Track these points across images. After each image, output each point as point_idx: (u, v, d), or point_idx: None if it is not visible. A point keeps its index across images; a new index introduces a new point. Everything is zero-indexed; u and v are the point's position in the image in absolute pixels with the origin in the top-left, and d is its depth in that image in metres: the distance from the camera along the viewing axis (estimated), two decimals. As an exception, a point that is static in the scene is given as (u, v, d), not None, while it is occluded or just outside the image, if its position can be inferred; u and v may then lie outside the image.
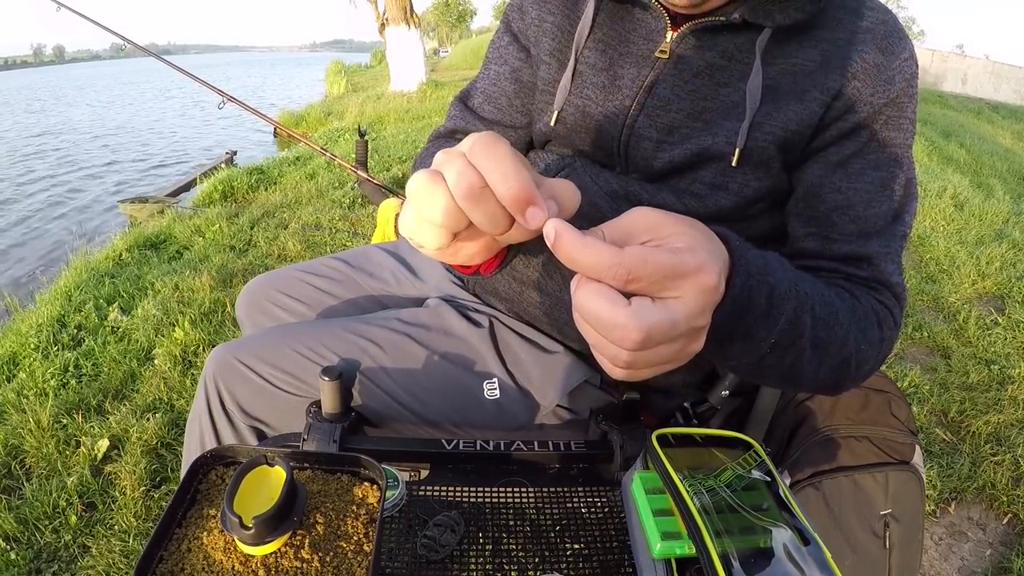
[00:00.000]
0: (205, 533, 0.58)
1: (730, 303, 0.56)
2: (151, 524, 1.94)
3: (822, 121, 0.81)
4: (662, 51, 0.86)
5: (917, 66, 0.84)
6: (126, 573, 1.80)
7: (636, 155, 0.88)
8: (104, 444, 2.27)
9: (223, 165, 7.91)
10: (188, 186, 7.33)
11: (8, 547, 1.88)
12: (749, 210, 0.87)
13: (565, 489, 0.86)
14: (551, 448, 0.91)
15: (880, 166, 0.81)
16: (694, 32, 0.84)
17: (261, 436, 1.01)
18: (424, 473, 0.93)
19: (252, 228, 4.70)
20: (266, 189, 5.95)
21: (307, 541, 0.58)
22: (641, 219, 0.52)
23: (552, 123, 0.94)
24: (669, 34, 0.86)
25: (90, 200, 8.91)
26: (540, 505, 0.84)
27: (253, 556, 0.56)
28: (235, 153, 8.79)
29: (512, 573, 0.75)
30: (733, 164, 0.82)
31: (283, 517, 0.56)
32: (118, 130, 16.34)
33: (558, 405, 1.01)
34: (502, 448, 0.91)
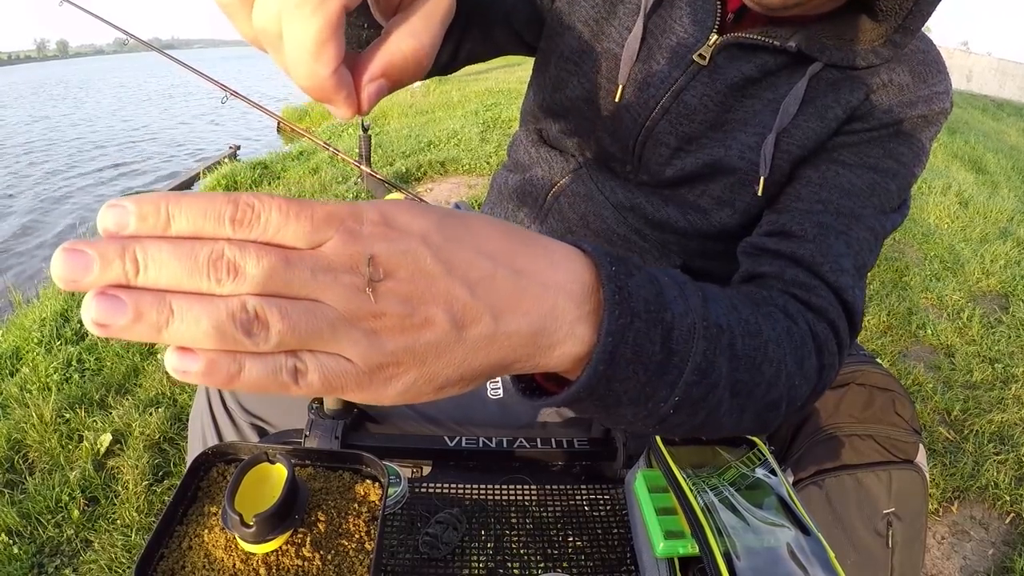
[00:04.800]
0: (206, 531, 0.58)
1: (604, 362, 0.40)
2: (153, 519, 1.95)
3: (834, 133, 0.77)
4: (700, 55, 0.80)
5: (950, 104, 0.78)
6: (128, 567, 1.81)
7: (649, 159, 0.85)
8: (107, 439, 2.27)
9: (226, 160, 7.91)
10: (191, 180, 7.34)
11: (11, 541, 1.89)
12: (752, 228, 0.82)
13: (568, 487, 0.86)
14: (554, 445, 0.91)
15: (878, 170, 0.75)
16: (739, 44, 0.78)
17: (262, 433, 1.01)
18: (426, 470, 0.92)
19: (255, 223, 4.69)
20: (269, 184, 5.96)
21: (308, 539, 0.58)
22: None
23: (616, 99, 0.85)
24: (714, 37, 0.79)
25: (89, 195, 8.92)
26: (543, 502, 0.84)
27: (254, 554, 0.56)
28: (238, 147, 8.80)
29: (514, 570, 0.74)
30: (759, 193, 0.78)
31: (284, 515, 0.56)
32: (122, 125, 16.36)
33: (562, 405, 1.00)
34: (505, 445, 0.90)
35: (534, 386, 0.50)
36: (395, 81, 0.41)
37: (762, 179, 0.78)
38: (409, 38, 0.40)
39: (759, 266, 0.73)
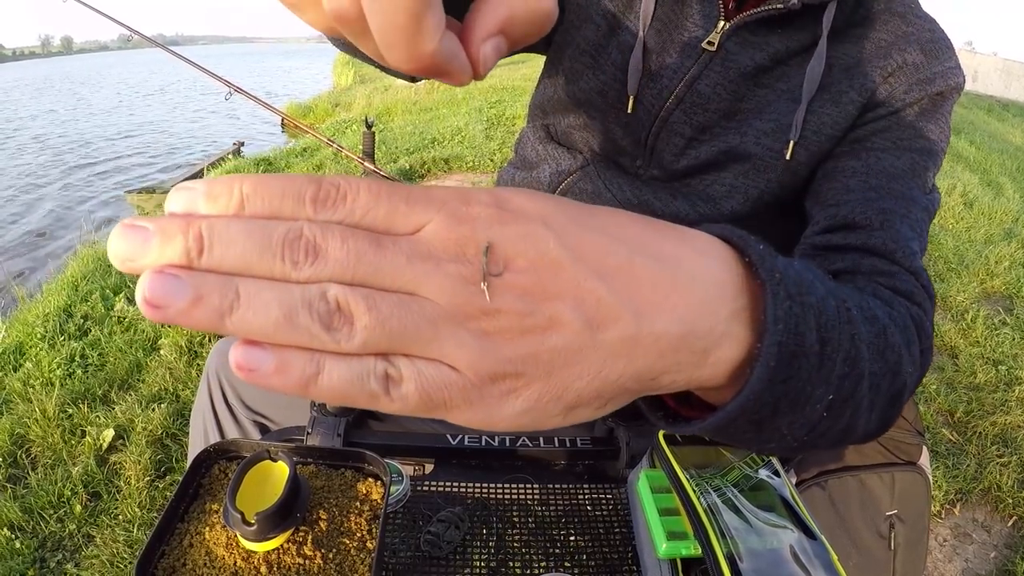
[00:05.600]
0: (207, 528, 0.58)
1: (774, 356, 0.33)
2: (155, 514, 1.95)
3: (856, 121, 0.78)
4: (709, 42, 0.80)
5: (964, 81, 0.78)
6: (130, 562, 1.81)
7: (663, 151, 0.85)
8: (109, 434, 2.27)
9: (230, 156, 7.91)
10: (195, 177, 7.34)
11: (13, 536, 1.89)
12: (765, 215, 0.83)
13: (570, 486, 0.86)
14: (557, 444, 0.91)
15: (913, 150, 0.75)
16: (747, 26, 0.79)
17: (264, 430, 1.01)
18: (429, 468, 0.92)
19: (259, 219, 4.69)
20: (273, 180, 5.95)
21: (310, 537, 0.58)
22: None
23: (629, 109, 0.85)
24: (720, 24, 0.80)
25: (97, 191, 8.93)
26: (545, 501, 0.83)
27: (255, 552, 0.56)
28: (242, 144, 8.80)
29: (516, 569, 0.74)
30: (787, 158, 0.78)
31: (286, 513, 0.56)
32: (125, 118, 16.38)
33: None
34: (507, 444, 0.90)
35: (673, 413, 0.42)
36: (515, 39, 0.33)
37: (791, 143, 0.77)
38: None
39: (829, 265, 0.69)
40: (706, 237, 0.35)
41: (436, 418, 0.28)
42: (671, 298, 0.30)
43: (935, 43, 0.77)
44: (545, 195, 0.30)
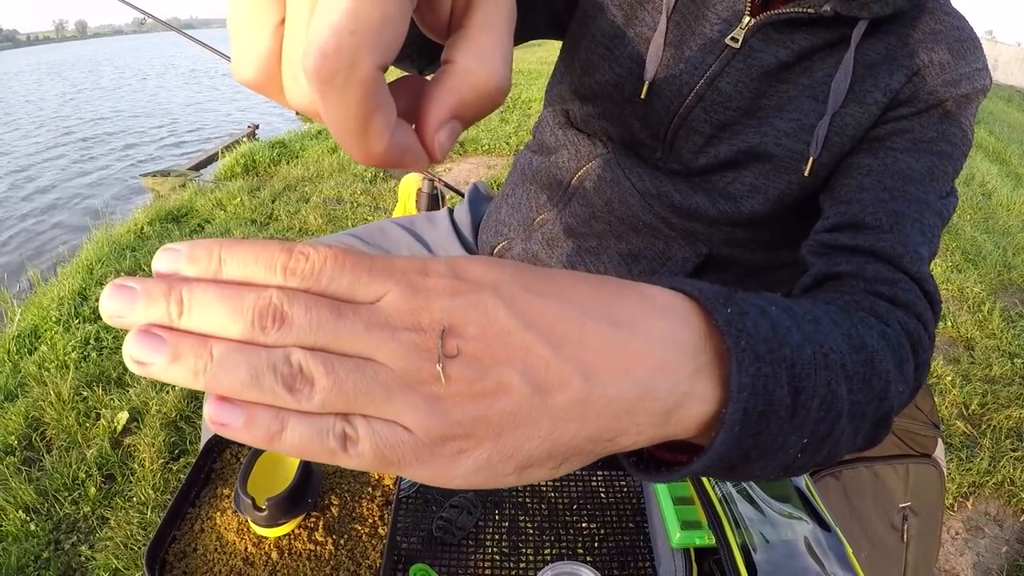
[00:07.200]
0: (218, 513, 0.58)
1: (739, 422, 0.34)
2: (169, 496, 1.97)
3: (877, 119, 0.76)
4: (733, 38, 0.78)
5: (990, 81, 0.76)
6: (144, 544, 1.82)
7: (682, 147, 0.84)
8: (123, 416, 2.29)
9: (245, 139, 7.92)
10: (210, 160, 7.36)
11: (28, 518, 1.91)
12: (784, 214, 0.82)
13: (584, 472, 0.85)
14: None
15: (933, 153, 0.73)
16: (773, 23, 0.76)
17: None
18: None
19: (273, 202, 4.71)
20: (288, 163, 5.96)
21: (321, 523, 0.57)
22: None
23: (643, 95, 0.83)
24: (746, 19, 0.77)
25: (112, 173, 8.97)
26: (558, 487, 0.83)
27: (266, 538, 0.56)
28: (257, 127, 8.81)
29: (528, 555, 0.74)
30: (806, 174, 0.77)
31: (297, 499, 0.56)
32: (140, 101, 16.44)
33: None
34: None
35: (649, 460, 0.41)
36: (469, 119, 0.34)
37: (811, 159, 0.76)
38: (478, 65, 0.32)
39: (834, 266, 0.68)
40: (667, 295, 0.35)
41: (392, 474, 0.29)
42: (624, 361, 0.31)
43: (963, 42, 0.75)
44: (502, 263, 0.32)
